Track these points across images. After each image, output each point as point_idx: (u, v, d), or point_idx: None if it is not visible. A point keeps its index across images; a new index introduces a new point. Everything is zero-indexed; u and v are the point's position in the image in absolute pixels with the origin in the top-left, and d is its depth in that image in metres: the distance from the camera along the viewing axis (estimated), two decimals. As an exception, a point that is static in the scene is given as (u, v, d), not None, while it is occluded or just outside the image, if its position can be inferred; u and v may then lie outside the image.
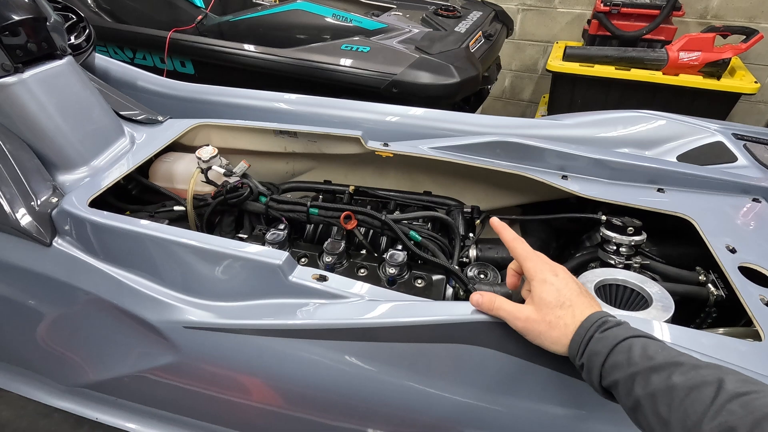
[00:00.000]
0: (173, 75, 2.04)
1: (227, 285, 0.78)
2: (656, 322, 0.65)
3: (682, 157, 1.12)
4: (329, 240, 0.96)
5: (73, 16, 1.37)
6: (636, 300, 0.79)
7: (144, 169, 1.10)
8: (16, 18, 0.87)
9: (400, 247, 0.94)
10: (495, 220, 0.70)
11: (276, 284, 0.74)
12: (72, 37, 1.34)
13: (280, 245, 0.95)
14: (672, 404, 0.44)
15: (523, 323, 0.58)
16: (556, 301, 0.57)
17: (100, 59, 1.54)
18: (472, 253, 1.01)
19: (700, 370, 0.44)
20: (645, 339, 0.50)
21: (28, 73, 0.90)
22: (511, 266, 0.68)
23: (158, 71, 1.61)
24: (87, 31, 1.38)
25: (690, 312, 0.84)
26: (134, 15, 2.16)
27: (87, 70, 1.14)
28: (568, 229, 1.15)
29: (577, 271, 0.83)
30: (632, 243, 0.89)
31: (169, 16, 2.09)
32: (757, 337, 0.66)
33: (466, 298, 0.87)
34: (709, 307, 0.82)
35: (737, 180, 0.97)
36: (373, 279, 0.89)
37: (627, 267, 0.89)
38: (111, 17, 2.20)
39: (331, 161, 1.24)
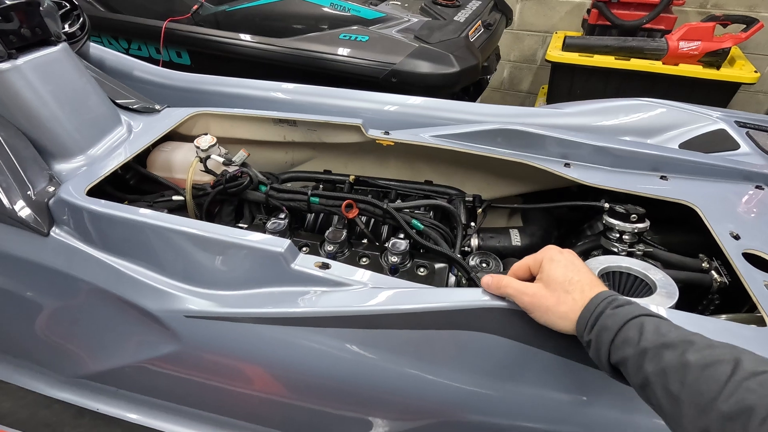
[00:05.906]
0: (169, 66, 2.00)
1: (228, 273, 0.77)
2: (661, 308, 0.65)
3: (684, 145, 1.12)
4: (331, 229, 0.95)
5: (67, 4, 1.34)
6: (640, 287, 0.78)
7: (142, 158, 1.09)
8: (9, 2, 0.85)
9: (402, 235, 0.93)
10: (486, 279, 0.64)
11: (278, 272, 0.74)
12: (66, 26, 1.32)
13: (280, 234, 0.94)
14: (685, 381, 0.42)
15: (531, 299, 0.58)
16: (563, 277, 0.57)
17: (95, 48, 1.51)
18: (474, 242, 1.01)
19: (715, 349, 0.43)
20: (657, 318, 0.50)
21: (22, 60, 0.89)
22: (513, 269, 0.66)
23: (154, 62, 1.59)
24: (81, 19, 1.35)
25: (692, 299, 0.84)
26: (128, 4, 2.12)
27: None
28: (569, 218, 1.15)
29: (579, 259, 0.82)
30: (635, 230, 0.89)
31: (164, 6, 2.05)
32: (761, 322, 0.66)
33: (469, 287, 0.88)
34: (712, 294, 0.82)
35: (740, 167, 0.97)
36: (375, 268, 0.88)
37: (630, 254, 0.88)
38: (104, 7, 2.16)
39: (331, 150, 1.22)
